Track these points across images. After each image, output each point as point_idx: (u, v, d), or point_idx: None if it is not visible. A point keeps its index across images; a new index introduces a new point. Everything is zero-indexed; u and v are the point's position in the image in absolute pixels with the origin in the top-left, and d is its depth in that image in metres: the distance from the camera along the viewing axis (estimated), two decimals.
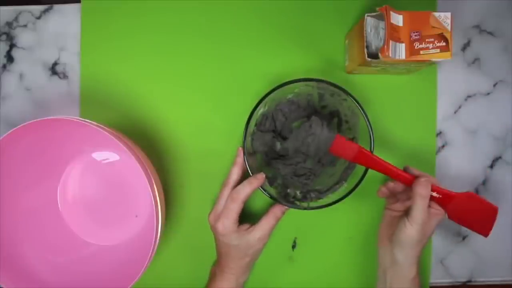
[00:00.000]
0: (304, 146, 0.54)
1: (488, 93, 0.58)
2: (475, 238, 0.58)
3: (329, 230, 0.58)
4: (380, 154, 0.56)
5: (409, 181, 0.49)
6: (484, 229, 0.50)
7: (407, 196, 0.53)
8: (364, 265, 0.58)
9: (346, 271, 0.58)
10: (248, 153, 0.51)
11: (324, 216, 0.57)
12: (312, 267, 0.58)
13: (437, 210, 0.50)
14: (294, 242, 0.58)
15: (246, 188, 0.49)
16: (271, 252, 0.56)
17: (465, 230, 0.58)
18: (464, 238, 0.58)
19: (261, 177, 0.50)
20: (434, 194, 0.49)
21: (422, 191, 0.48)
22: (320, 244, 0.58)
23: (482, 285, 0.60)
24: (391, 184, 0.52)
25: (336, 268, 0.58)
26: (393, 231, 0.51)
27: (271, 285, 0.58)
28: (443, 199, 0.49)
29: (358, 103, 0.49)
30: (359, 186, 0.49)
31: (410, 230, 0.48)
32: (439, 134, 0.58)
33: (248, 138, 0.51)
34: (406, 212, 0.50)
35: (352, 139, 0.53)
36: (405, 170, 0.51)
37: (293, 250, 0.58)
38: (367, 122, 0.49)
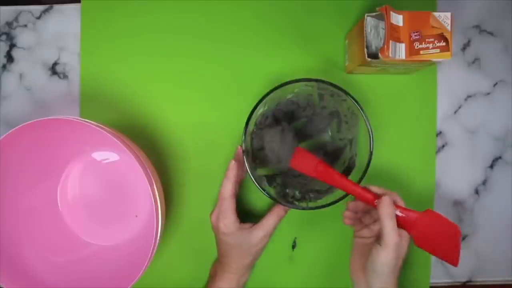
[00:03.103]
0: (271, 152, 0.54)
1: (488, 93, 0.58)
2: (475, 238, 0.58)
3: (329, 230, 0.58)
4: (380, 154, 0.56)
5: (371, 201, 0.47)
6: (451, 256, 0.47)
7: (372, 219, 0.51)
8: None
9: (346, 271, 0.58)
10: (248, 153, 0.51)
11: (324, 216, 0.57)
12: (312, 267, 0.58)
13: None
14: (294, 242, 0.58)
15: (226, 184, 0.50)
16: (271, 252, 0.56)
17: (465, 229, 0.58)
18: (464, 238, 0.58)
19: (232, 166, 0.50)
20: (398, 212, 0.47)
21: (388, 210, 0.45)
22: (320, 244, 0.58)
23: (482, 285, 0.60)
24: (351, 203, 0.51)
25: (336, 268, 0.58)
26: (365, 261, 0.49)
27: (271, 285, 0.58)
28: (406, 220, 0.47)
29: (358, 103, 0.49)
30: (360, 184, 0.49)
31: (385, 255, 0.45)
32: (439, 134, 0.58)
33: (248, 138, 0.51)
34: (377, 238, 0.48)
35: (351, 140, 0.53)
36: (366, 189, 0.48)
37: (293, 250, 0.58)
38: (367, 123, 0.48)
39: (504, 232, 0.58)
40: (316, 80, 0.49)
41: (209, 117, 0.58)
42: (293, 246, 0.58)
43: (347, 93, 0.49)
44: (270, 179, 0.53)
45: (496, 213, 0.58)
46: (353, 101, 0.49)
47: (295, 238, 0.58)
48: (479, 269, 0.58)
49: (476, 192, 0.58)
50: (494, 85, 0.58)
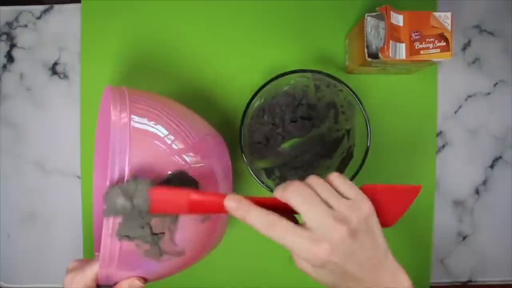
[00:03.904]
0: None
1: (488, 93, 0.58)
2: (475, 238, 0.58)
3: None
4: (380, 154, 0.56)
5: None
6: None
7: None
8: None
9: None
10: (245, 146, 0.51)
11: None
12: None
13: None
14: None
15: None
16: (271, 252, 0.56)
17: (465, 229, 0.58)
18: (464, 238, 0.58)
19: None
20: None
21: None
22: None
23: (482, 285, 0.60)
24: None
25: None
26: None
27: (271, 285, 0.58)
28: None
29: (353, 93, 0.48)
30: (357, 178, 0.49)
31: None
32: (439, 134, 0.58)
33: (245, 131, 0.51)
34: None
35: (349, 130, 0.52)
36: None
37: None
38: (363, 112, 0.48)
39: (504, 232, 0.58)
40: (312, 71, 0.49)
41: (205, 111, 0.57)
42: None
43: (342, 82, 0.49)
44: (269, 171, 0.53)
45: (496, 213, 0.58)
46: (349, 90, 0.49)
47: None
48: (479, 269, 0.58)
49: (477, 192, 0.58)
50: (494, 85, 0.58)
